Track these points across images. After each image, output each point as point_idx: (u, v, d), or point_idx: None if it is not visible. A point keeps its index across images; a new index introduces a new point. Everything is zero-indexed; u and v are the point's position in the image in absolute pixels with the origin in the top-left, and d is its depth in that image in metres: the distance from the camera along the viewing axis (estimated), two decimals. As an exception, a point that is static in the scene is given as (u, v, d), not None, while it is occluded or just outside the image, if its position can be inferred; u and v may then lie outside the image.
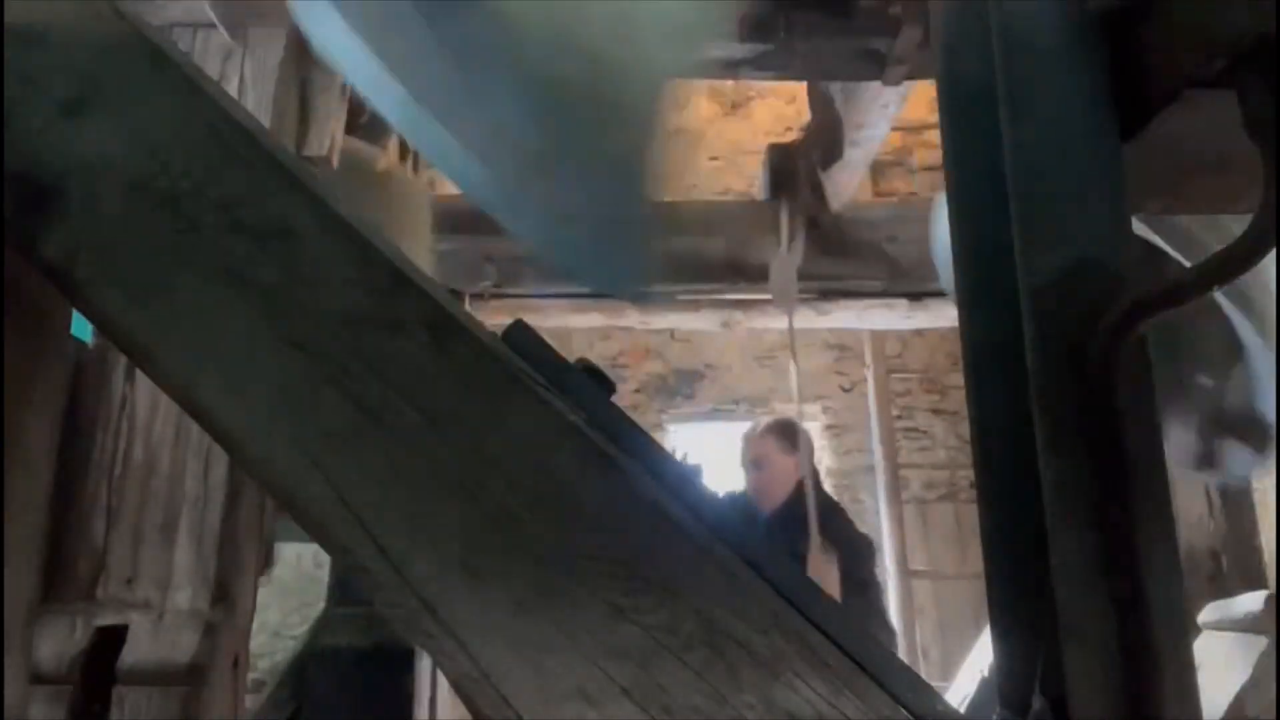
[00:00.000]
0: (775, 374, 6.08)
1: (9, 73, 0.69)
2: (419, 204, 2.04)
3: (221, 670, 1.24)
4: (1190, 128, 0.69)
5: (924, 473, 5.97)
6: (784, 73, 1.92)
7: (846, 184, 2.76)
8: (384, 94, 0.78)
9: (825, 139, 2.57)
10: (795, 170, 2.98)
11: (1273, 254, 0.58)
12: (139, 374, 1.31)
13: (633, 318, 3.24)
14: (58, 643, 1.19)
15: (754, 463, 2.69)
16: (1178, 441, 1.43)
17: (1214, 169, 0.76)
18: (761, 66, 1.85)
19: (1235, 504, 2.09)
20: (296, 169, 0.71)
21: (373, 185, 1.82)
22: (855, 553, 2.56)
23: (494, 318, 2.87)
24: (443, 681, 2.49)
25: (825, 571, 2.36)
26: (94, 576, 1.27)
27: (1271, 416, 1.30)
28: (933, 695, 0.64)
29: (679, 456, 2.78)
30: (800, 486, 2.56)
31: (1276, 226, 0.56)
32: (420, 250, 1.86)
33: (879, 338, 5.04)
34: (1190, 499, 2.09)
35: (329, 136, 1.55)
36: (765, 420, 2.81)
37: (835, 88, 2.39)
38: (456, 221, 2.32)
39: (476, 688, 0.62)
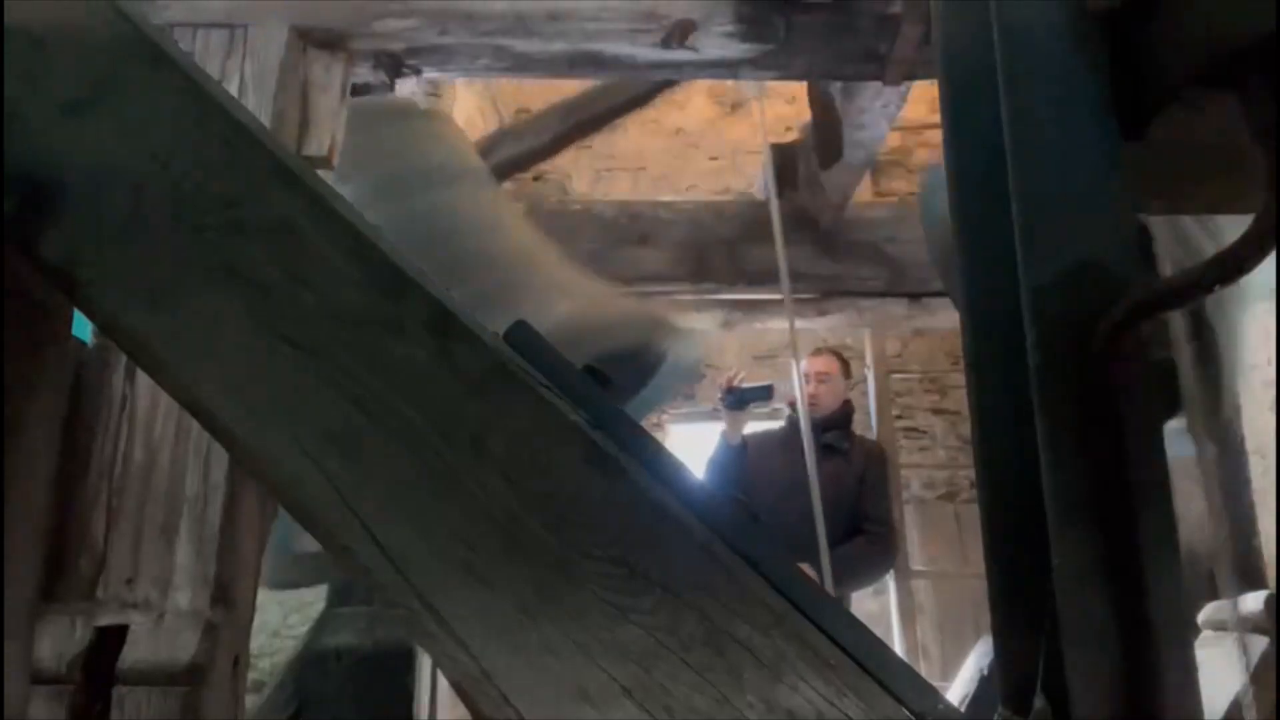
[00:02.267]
0: (776, 373, 6.07)
1: (9, 73, 0.69)
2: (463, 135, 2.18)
3: (221, 670, 1.24)
4: (1191, 128, 0.69)
5: (924, 473, 5.95)
6: (784, 73, 1.91)
7: (847, 184, 2.76)
8: None
9: (825, 139, 2.57)
10: (795, 170, 2.99)
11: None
12: (139, 374, 1.31)
13: (632, 317, 3.24)
14: (58, 643, 1.19)
15: (820, 375, 3.33)
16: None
17: (1215, 169, 0.76)
18: (761, 66, 1.85)
19: (1235, 504, 2.09)
20: (297, 169, 0.71)
21: (425, 121, 1.88)
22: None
23: (494, 318, 2.87)
24: (443, 681, 2.49)
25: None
26: (94, 576, 1.27)
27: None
28: (934, 695, 0.64)
29: (738, 377, 3.33)
30: (845, 404, 3.38)
31: (1277, 228, 0.56)
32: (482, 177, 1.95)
33: (879, 338, 5.03)
34: (1190, 499, 2.08)
35: (329, 136, 1.55)
36: (829, 348, 3.61)
37: (835, 88, 2.38)
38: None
39: (477, 688, 0.62)
